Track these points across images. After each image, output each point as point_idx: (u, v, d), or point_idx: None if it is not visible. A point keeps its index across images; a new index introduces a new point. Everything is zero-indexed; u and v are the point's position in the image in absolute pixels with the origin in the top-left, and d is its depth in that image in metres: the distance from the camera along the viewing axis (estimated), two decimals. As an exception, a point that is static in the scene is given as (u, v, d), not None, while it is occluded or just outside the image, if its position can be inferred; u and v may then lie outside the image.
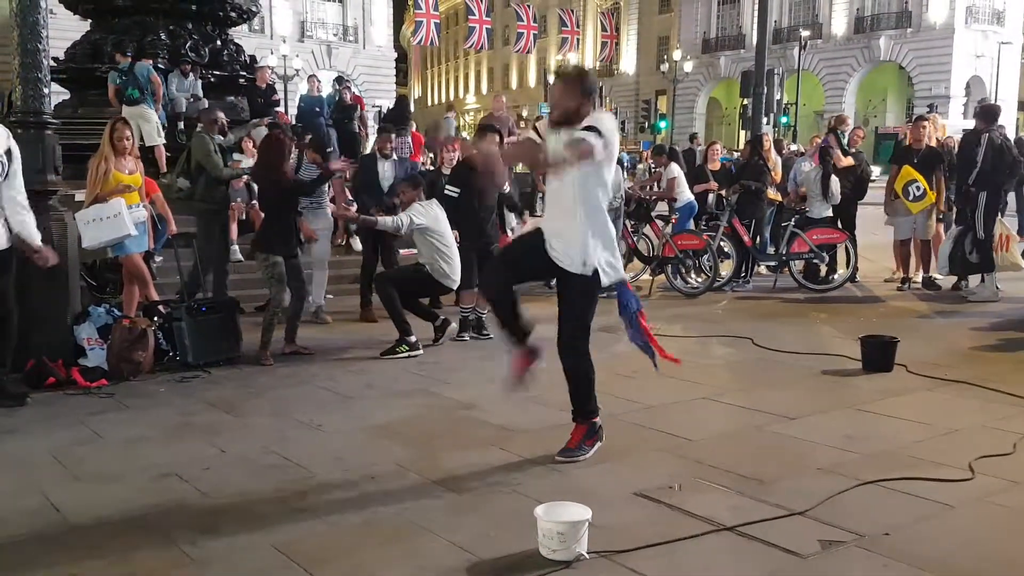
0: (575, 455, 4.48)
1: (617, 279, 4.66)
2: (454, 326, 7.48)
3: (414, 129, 16.91)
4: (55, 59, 11.94)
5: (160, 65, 13.12)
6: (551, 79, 4.58)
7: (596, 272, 4.51)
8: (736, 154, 15.00)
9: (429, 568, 3.26)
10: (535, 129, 4.64)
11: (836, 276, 10.67)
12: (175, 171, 8.28)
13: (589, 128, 4.18)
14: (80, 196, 7.51)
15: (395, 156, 9.23)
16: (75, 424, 5.12)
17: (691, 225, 11.45)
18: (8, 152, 5.37)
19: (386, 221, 7.36)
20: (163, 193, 8.36)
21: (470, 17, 44.07)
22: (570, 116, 4.32)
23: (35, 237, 5.50)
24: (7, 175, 5.37)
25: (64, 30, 16.98)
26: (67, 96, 13.94)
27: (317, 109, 15.27)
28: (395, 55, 51.23)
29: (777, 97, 22.74)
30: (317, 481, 4.21)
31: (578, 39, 49.44)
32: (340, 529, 3.64)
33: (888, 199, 10.57)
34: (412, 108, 17.76)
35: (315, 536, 3.57)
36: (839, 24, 46.52)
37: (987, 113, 9.73)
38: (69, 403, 5.58)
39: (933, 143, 10.31)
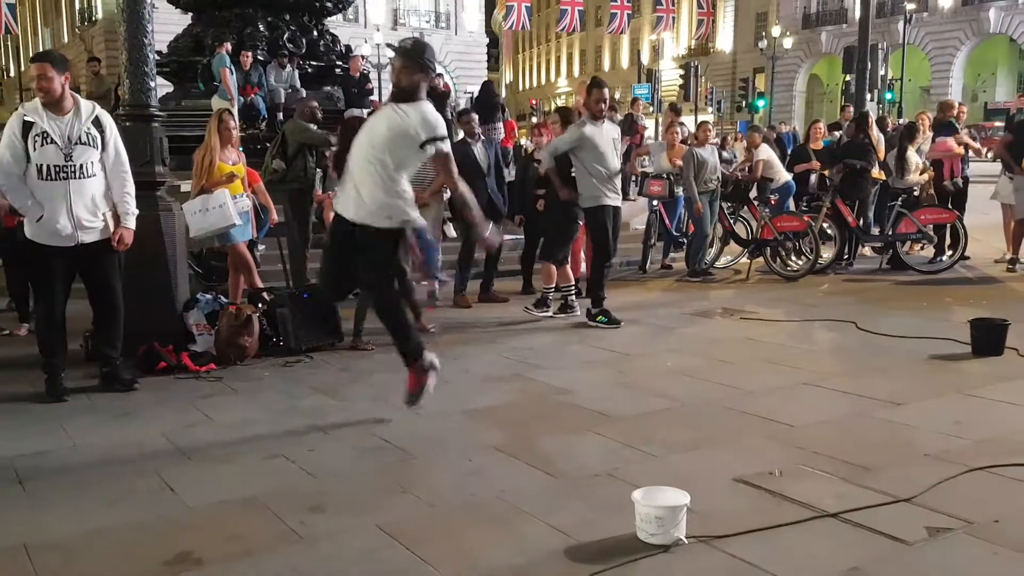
0: (418, 397, 4.80)
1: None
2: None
3: (508, 117, 16.95)
4: (158, 53, 12.34)
5: (259, 56, 13.47)
6: (391, 55, 5.04)
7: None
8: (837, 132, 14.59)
9: (528, 550, 3.29)
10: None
11: (944, 257, 10.32)
12: (269, 154, 8.47)
13: (436, 139, 4.57)
14: (186, 187, 7.77)
15: (483, 138, 9.05)
16: (186, 407, 5.32)
17: (791, 206, 11.22)
18: (97, 121, 5.36)
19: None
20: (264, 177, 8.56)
21: (562, -1, 43.80)
22: (411, 92, 4.62)
23: (129, 213, 5.54)
24: (103, 145, 5.38)
25: (166, 23, 17.50)
26: (170, 89, 14.41)
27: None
28: (487, 40, 51.38)
29: (881, 73, 22.12)
30: (417, 463, 4.29)
31: (673, 17, 48.57)
32: (441, 510, 3.71)
33: (1005, 176, 10.18)
34: (504, 93, 17.69)
35: (417, 517, 3.64)
36: (946, -4, 44.69)
37: None
38: (180, 387, 5.80)
39: None
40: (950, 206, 10.49)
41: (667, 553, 3.21)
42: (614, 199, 7.57)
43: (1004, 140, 10.40)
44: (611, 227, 7.56)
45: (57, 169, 5.23)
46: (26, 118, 5.22)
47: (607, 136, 7.50)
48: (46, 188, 5.23)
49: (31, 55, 5.64)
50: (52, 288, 5.46)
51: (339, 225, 4.82)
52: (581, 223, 7.87)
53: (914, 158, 10.41)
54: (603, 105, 7.45)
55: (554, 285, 7.94)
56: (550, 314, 7.83)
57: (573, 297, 7.95)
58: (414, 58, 4.64)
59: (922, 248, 11.06)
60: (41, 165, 5.21)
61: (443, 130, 4.62)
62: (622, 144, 9.67)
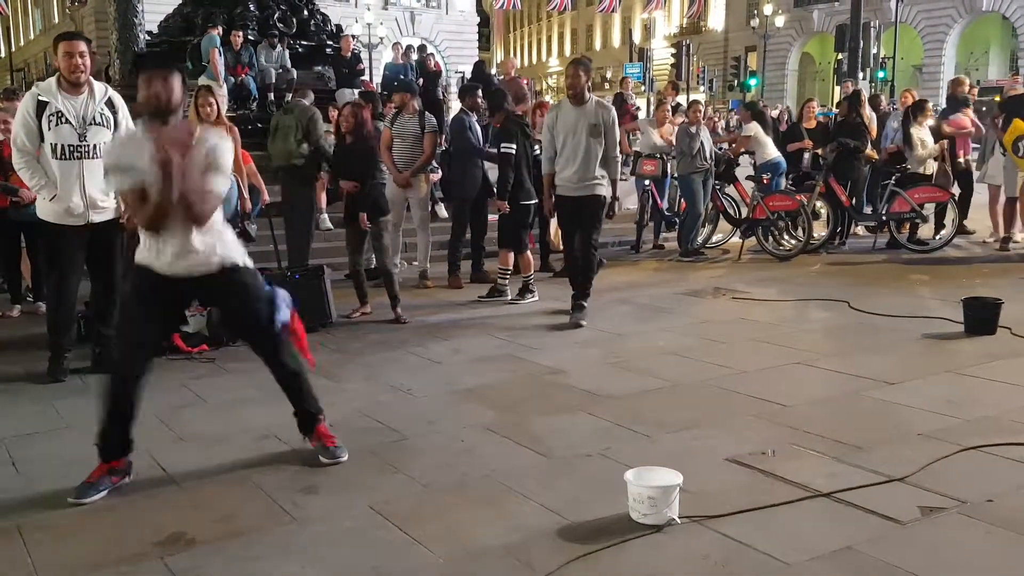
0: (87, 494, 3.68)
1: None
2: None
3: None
4: (149, 33, 12.23)
5: (250, 36, 13.34)
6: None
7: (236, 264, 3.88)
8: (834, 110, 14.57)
9: (520, 529, 3.29)
10: None
11: (938, 236, 10.31)
12: (293, 137, 8.39)
13: None
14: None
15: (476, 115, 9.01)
16: (178, 388, 5.31)
17: (781, 185, 11.20)
18: (110, 102, 5.40)
19: None
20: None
21: (553, -22, 43.63)
22: None
23: None
24: (116, 126, 5.40)
25: (156, 3, 17.33)
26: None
27: (402, 77, 15.36)
28: (478, 20, 51.03)
29: (873, 51, 22.05)
30: (409, 444, 4.29)
31: (664, -4, 48.65)
32: (433, 490, 3.71)
33: (987, 154, 10.20)
34: (495, 73, 17.46)
35: (409, 497, 3.64)
36: (939, -27, 44.50)
37: None
38: (172, 368, 5.77)
39: None
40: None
41: (660, 533, 3.21)
42: (571, 189, 6.89)
43: (996, 115, 10.38)
44: (559, 219, 7.06)
45: (71, 149, 5.25)
46: (40, 97, 5.24)
47: (583, 120, 6.82)
48: (60, 167, 5.25)
49: (56, 35, 5.55)
50: (63, 267, 5.47)
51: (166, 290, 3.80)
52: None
53: (917, 135, 10.39)
54: (578, 83, 6.84)
55: (532, 272, 7.89)
56: (536, 298, 7.76)
57: (505, 281, 7.86)
58: None
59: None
60: (56, 144, 5.22)
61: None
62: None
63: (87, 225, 5.36)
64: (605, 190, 6.92)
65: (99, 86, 5.43)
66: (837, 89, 25.91)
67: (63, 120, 5.22)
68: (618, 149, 7.02)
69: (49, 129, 5.21)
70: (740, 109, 13.11)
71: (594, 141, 6.81)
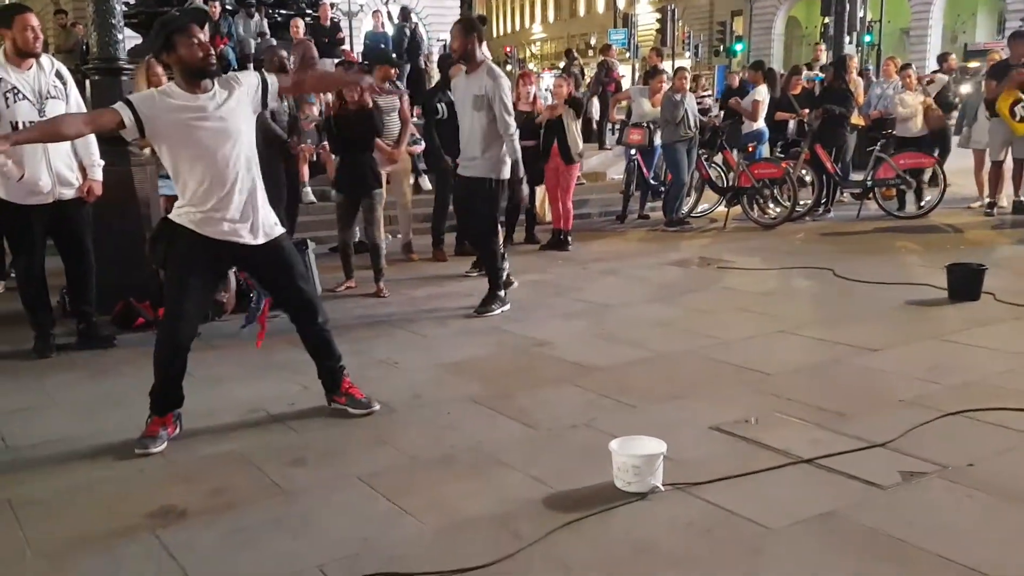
0: None
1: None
2: None
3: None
4: (126, 4, 12.07)
5: (227, 6, 13.21)
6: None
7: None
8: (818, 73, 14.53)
9: (507, 499, 3.32)
10: None
11: (923, 203, 10.36)
12: None
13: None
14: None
15: None
16: (165, 363, 5.29)
17: (764, 153, 11.22)
18: (59, 74, 5.33)
19: None
20: None
21: (538, -56, 43.34)
22: None
23: (95, 165, 5.50)
24: (68, 98, 5.33)
25: (134, -26, 17.10)
26: (139, 41, 14.14)
27: (383, 46, 15.24)
28: (461, -14, 50.59)
29: (860, 14, 21.98)
30: (396, 416, 4.31)
31: (650, -39, 48.22)
32: (420, 462, 3.73)
33: (970, 120, 10.26)
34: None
35: (397, 469, 3.66)
36: (926, -65, 44.20)
37: None
38: (158, 342, 5.76)
39: None
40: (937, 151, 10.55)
41: (644, 500, 3.25)
42: (463, 168, 6.45)
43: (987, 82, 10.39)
44: (458, 198, 6.73)
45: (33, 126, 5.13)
46: None
47: (469, 90, 6.22)
48: (24, 146, 5.07)
49: (5, 8, 5.47)
50: (32, 247, 5.43)
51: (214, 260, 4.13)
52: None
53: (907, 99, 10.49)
54: (461, 46, 6.14)
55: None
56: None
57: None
58: None
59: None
60: (16, 123, 5.09)
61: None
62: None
63: (54, 203, 5.31)
64: (492, 171, 6.27)
65: (45, 58, 5.34)
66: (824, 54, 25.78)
67: (20, 96, 5.09)
68: (512, 126, 6.20)
69: (8, 107, 5.06)
70: (748, 70, 13.06)
71: (479, 115, 6.17)
